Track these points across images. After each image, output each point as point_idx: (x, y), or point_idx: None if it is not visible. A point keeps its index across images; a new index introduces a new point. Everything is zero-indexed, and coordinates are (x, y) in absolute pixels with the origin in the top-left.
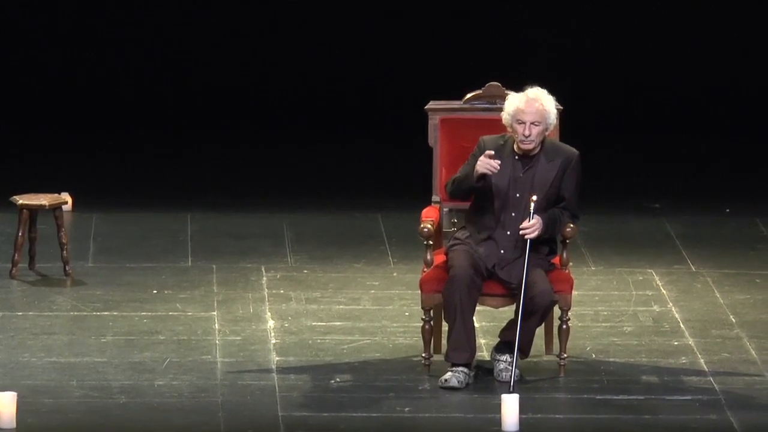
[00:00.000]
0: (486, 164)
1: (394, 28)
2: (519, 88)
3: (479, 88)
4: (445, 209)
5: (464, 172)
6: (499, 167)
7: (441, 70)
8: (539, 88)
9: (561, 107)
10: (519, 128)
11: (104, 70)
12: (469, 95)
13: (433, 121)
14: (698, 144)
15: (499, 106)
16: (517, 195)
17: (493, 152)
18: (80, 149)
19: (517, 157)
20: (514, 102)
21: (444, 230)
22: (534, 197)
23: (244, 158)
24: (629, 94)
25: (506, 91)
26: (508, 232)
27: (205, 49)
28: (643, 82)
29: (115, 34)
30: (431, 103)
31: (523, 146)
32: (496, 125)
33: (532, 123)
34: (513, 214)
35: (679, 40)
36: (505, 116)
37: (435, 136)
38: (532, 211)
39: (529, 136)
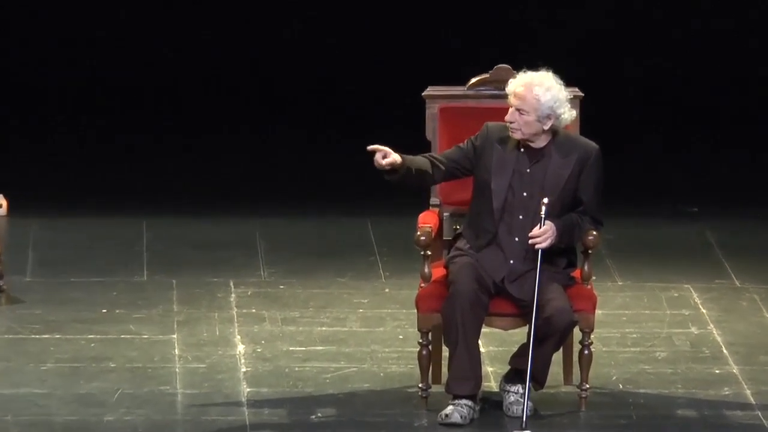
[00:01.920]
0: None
1: (383, 16)
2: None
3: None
4: (445, 214)
5: (451, 155)
6: (382, 164)
7: (441, 56)
8: (548, 73)
9: (582, 94)
10: (508, 113)
11: (46, 60)
12: (474, 80)
13: (432, 110)
14: (745, 138)
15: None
16: (525, 194)
17: (379, 147)
18: (16, 145)
19: (522, 149)
20: (514, 82)
21: (444, 239)
22: (545, 200)
23: (209, 155)
24: (662, 78)
25: (517, 74)
26: (516, 239)
27: (167, 37)
28: (680, 63)
29: (66, 27)
30: (429, 89)
31: (509, 133)
32: (505, 115)
33: (519, 110)
34: (520, 217)
35: (730, 23)
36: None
37: (433, 128)
38: (543, 215)
39: (513, 123)
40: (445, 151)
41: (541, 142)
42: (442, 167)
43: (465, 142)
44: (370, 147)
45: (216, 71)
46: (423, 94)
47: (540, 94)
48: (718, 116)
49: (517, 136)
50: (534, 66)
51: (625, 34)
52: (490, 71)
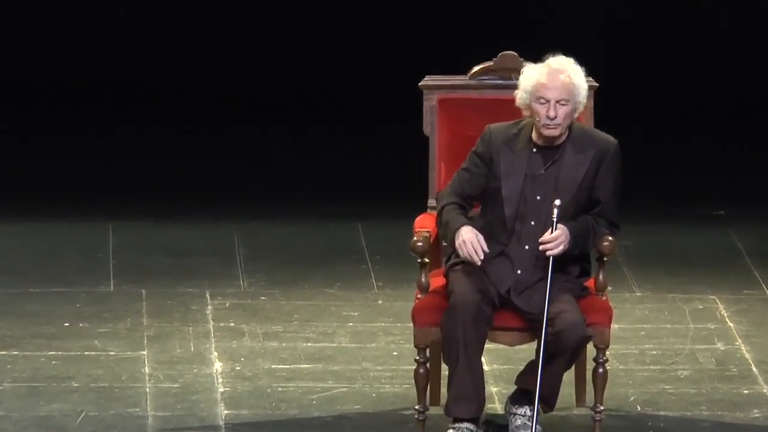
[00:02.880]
0: (469, 253)
1: (374, 12)
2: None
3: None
4: None
5: (459, 188)
6: (478, 262)
7: (439, 48)
8: (564, 56)
9: (596, 84)
10: (541, 109)
11: (7, 50)
12: (476, 68)
13: (430, 102)
14: None
15: (514, 82)
16: (537, 198)
17: (484, 251)
18: None
19: (535, 150)
20: (532, 75)
21: (443, 244)
22: (557, 202)
23: (182, 151)
24: (682, 66)
25: (524, 63)
26: (527, 247)
27: (142, 33)
28: (701, 47)
29: (29, 16)
30: (427, 78)
31: (546, 132)
32: (511, 107)
33: (558, 101)
34: (532, 223)
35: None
36: (521, 95)
37: (432, 122)
38: (555, 219)
39: (555, 118)
40: (456, 176)
41: (560, 139)
42: (468, 209)
43: (468, 158)
44: (475, 260)
45: (189, 67)
46: (420, 84)
47: (575, 77)
48: (745, 113)
49: (557, 132)
50: (536, 57)
51: (642, 25)
52: (494, 59)
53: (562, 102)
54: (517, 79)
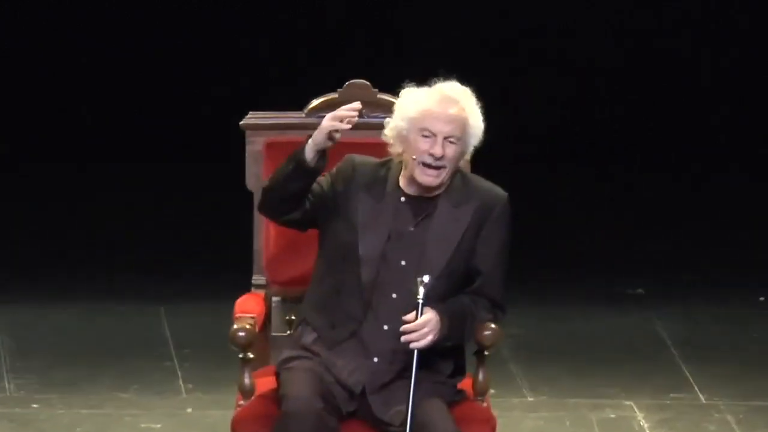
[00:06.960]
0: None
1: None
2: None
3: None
4: (274, 299)
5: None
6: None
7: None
8: (457, 83)
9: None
10: (423, 144)
11: None
12: (316, 101)
13: (255, 146)
14: (708, 185)
15: (367, 120)
16: (402, 263)
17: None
18: None
19: (403, 199)
20: (418, 100)
21: (273, 334)
22: (425, 278)
23: None
24: (590, 98)
25: (379, 95)
26: (385, 327)
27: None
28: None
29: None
30: (250, 115)
31: (423, 179)
32: (364, 153)
33: (447, 138)
34: (393, 296)
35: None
36: (397, 123)
37: (257, 173)
38: (421, 300)
39: (441, 158)
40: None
41: (438, 188)
42: (307, 204)
43: (324, 175)
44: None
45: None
46: (242, 122)
47: (471, 112)
48: (661, 160)
49: (436, 181)
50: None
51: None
52: (339, 90)
53: (451, 140)
54: (369, 116)
